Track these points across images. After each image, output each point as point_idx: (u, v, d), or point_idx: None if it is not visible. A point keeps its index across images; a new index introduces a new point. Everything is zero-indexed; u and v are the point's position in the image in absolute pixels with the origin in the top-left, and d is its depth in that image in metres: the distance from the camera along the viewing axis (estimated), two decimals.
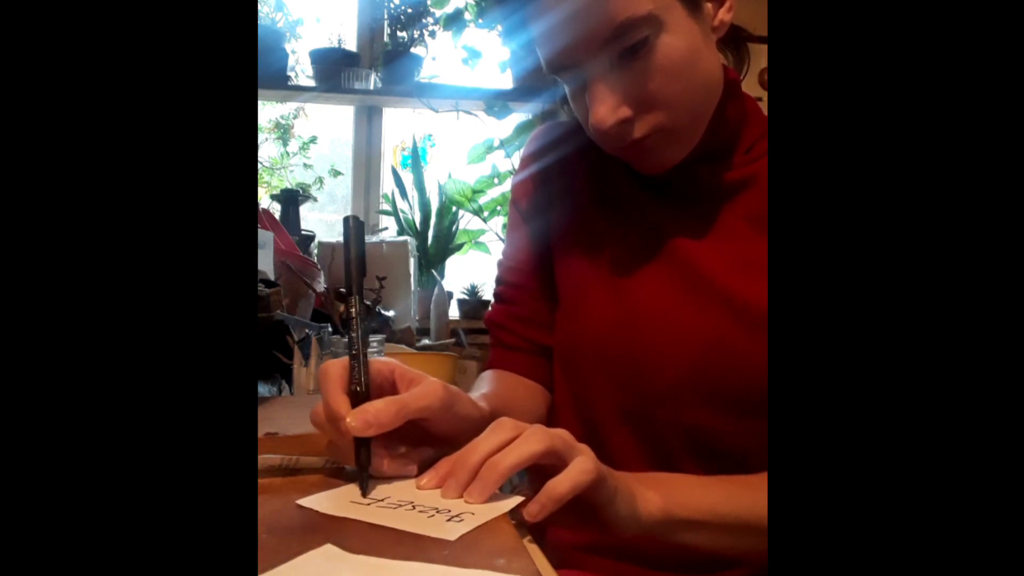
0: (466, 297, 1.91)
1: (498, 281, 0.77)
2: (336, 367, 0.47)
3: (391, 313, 1.54)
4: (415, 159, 2.00)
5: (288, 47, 1.91)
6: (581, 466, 0.43)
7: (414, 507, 0.42)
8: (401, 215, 1.98)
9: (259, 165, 2.02)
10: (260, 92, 1.85)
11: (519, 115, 1.91)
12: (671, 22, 0.55)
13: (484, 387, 0.66)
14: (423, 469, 0.47)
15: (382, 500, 0.44)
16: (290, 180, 2.06)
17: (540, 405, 0.71)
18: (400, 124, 2.14)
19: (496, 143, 1.89)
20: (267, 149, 2.08)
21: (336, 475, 0.49)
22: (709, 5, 0.59)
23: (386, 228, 2.03)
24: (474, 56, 1.88)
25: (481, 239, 2.02)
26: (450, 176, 1.97)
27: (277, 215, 1.73)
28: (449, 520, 0.40)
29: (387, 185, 2.11)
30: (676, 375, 0.61)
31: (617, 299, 0.65)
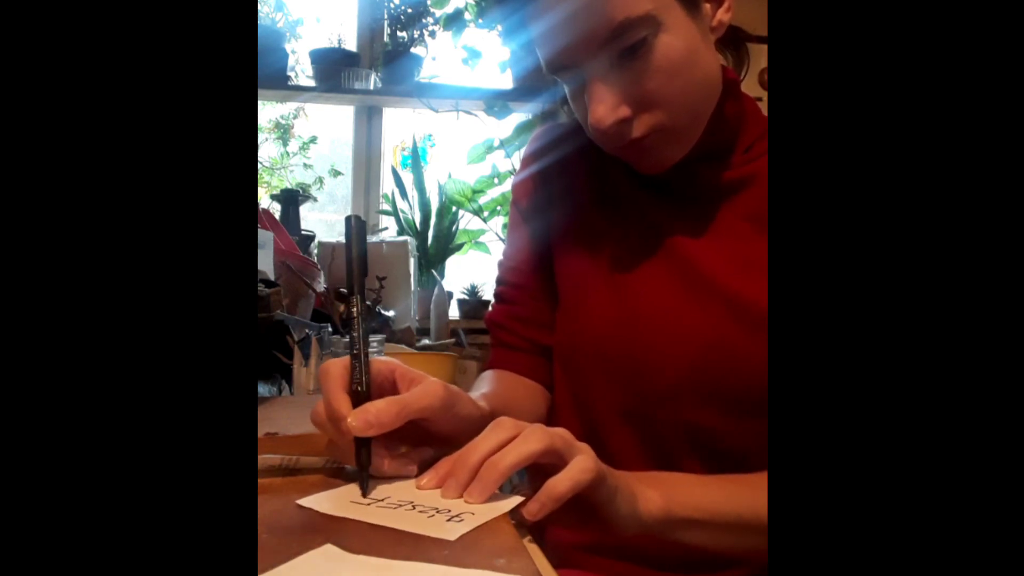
0: (466, 297, 1.91)
1: (499, 281, 0.77)
2: (337, 367, 0.47)
3: (391, 313, 1.54)
4: (415, 159, 2.00)
5: (288, 47, 1.91)
6: (581, 465, 0.43)
7: (414, 507, 0.42)
8: (401, 215, 1.98)
9: (259, 165, 2.02)
10: (260, 92, 1.85)
11: (519, 115, 1.91)
12: (670, 22, 0.56)
13: (484, 387, 0.67)
14: (423, 469, 0.47)
15: (382, 500, 0.44)
16: (290, 180, 2.06)
17: (540, 405, 0.71)
18: (400, 124, 2.14)
19: (496, 143, 1.89)
20: (267, 149, 2.08)
21: (336, 475, 0.49)
22: (707, 6, 0.59)
23: (386, 228, 2.03)
24: (474, 56, 1.88)
25: (481, 239, 2.02)
26: (450, 176, 1.97)
27: (277, 215, 1.73)
28: (449, 520, 0.40)
29: (387, 185, 2.11)
30: (676, 374, 0.62)
31: (617, 298, 0.65)
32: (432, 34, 1.93)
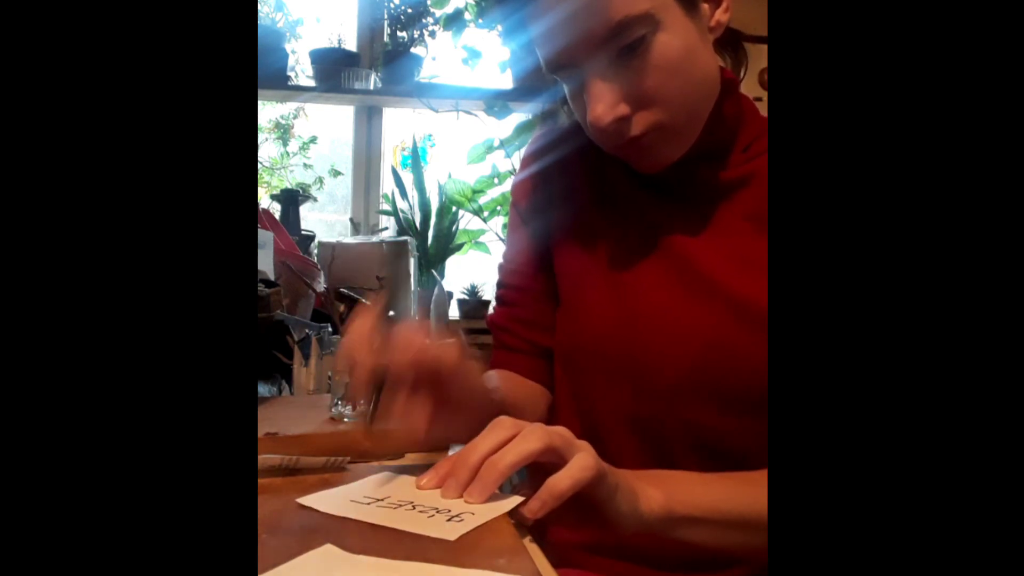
0: (466, 297, 1.91)
1: (499, 284, 0.77)
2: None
3: (391, 313, 1.54)
4: (415, 159, 2.00)
5: (288, 47, 1.91)
6: (581, 462, 0.43)
7: (414, 507, 0.42)
8: (401, 215, 1.98)
9: (259, 165, 2.02)
10: (260, 92, 1.85)
11: (519, 115, 1.91)
12: (668, 21, 0.56)
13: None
14: (419, 471, 0.47)
15: (382, 500, 0.44)
16: (290, 180, 2.06)
17: (540, 406, 0.71)
18: (400, 124, 2.14)
19: (496, 143, 1.89)
20: (267, 149, 2.08)
21: (336, 475, 0.50)
22: (706, 6, 0.60)
23: (386, 228, 2.03)
24: (474, 56, 1.88)
25: (481, 239, 2.02)
26: (450, 176, 1.97)
27: (277, 215, 1.73)
28: (449, 520, 0.40)
29: (387, 185, 2.10)
30: (675, 374, 0.62)
31: (616, 298, 0.65)
32: (432, 34, 1.92)
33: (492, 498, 0.43)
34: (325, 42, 1.93)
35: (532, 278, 0.73)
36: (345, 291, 1.33)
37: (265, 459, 0.49)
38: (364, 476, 0.49)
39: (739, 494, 0.55)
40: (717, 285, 0.62)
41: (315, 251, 1.78)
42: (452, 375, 0.49)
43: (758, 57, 0.73)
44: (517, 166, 0.84)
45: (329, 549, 0.36)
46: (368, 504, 0.43)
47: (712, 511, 0.53)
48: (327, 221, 2.20)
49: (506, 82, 1.97)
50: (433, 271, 1.95)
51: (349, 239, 1.83)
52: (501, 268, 0.77)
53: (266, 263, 1.17)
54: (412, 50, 1.91)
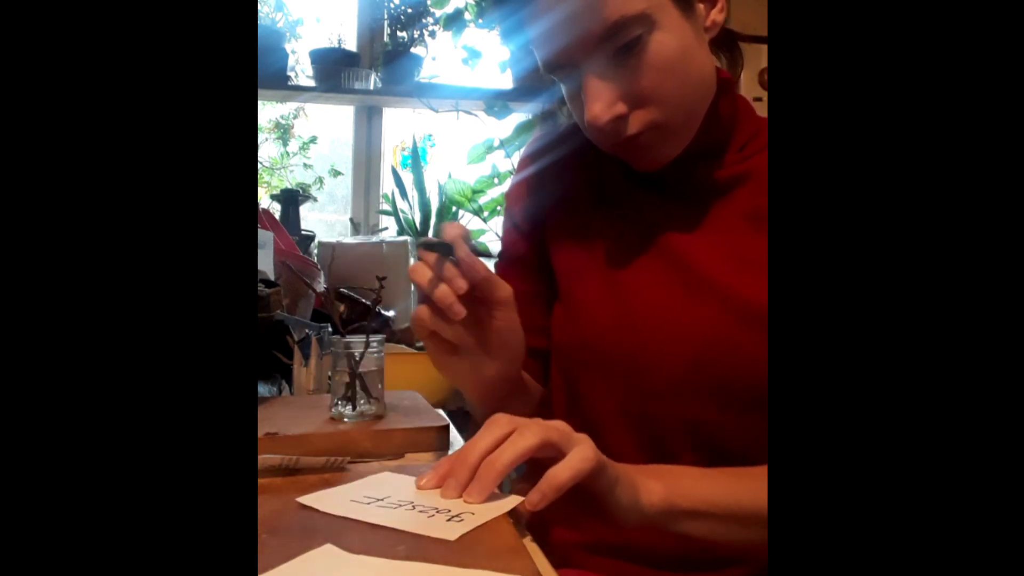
0: None
1: None
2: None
3: (391, 313, 1.54)
4: (415, 159, 2.00)
5: (288, 47, 1.91)
6: (581, 454, 0.44)
7: (414, 507, 0.42)
8: (401, 215, 1.98)
9: (259, 165, 2.02)
10: (260, 92, 1.85)
11: (519, 115, 1.91)
12: (664, 21, 0.57)
13: None
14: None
15: (382, 500, 0.44)
16: (290, 180, 2.06)
17: (534, 397, 0.72)
18: (400, 124, 2.14)
19: (496, 143, 1.89)
20: (267, 149, 2.08)
21: (336, 475, 0.50)
22: (701, 6, 0.60)
23: (386, 228, 2.03)
24: (474, 56, 1.88)
25: (481, 239, 2.02)
26: (450, 176, 1.97)
27: (277, 215, 1.73)
28: (449, 520, 0.40)
29: (387, 185, 2.10)
30: (673, 371, 0.62)
31: (614, 296, 0.66)
32: (432, 34, 1.92)
33: (492, 498, 0.43)
34: (325, 42, 1.93)
35: (524, 281, 0.73)
36: (345, 291, 1.33)
37: (265, 459, 0.49)
38: (364, 476, 0.49)
39: (740, 488, 0.55)
40: (714, 283, 0.62)
41: (315, 251, 1.78)
42: (504, 304, 0.56)
43: (758, 57, 0.73)
44: (517, 166, 0.84)
45: (329, 549, 0.36)
46: (368, 504, 0.43)
47: (713, 505, 0.53)
48: (327, 221, 2.20)
49: (506, 82, 1.97)
50: None
51: (349, 239, 1.83)
52: (496, 268, 0.77)
53: (266, 263, 1.17)
54: (412, 50, 1.91)
